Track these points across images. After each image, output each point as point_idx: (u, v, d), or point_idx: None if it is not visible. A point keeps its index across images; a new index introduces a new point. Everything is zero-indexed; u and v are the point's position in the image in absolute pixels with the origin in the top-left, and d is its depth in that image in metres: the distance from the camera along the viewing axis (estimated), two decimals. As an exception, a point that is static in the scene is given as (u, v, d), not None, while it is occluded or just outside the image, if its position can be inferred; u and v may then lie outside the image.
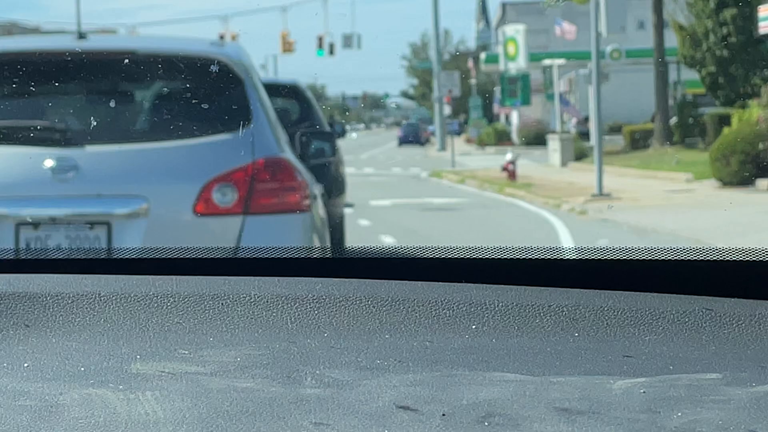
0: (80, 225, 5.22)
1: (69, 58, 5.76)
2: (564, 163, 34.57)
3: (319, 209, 5.91)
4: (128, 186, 5.28)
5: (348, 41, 60.59)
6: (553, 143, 36.99)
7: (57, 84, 6.00)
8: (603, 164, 31.34)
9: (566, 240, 14.59)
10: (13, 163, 5.36)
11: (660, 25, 39.44)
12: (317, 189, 6.07)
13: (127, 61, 5.78)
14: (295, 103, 10.93)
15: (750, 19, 41.86)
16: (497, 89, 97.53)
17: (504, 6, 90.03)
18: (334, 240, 7.95)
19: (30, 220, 5.21)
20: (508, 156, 27.79)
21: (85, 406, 1.12)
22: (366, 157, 57.91)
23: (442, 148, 60.34)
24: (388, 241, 15.14)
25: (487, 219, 18.58)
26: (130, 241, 5.14)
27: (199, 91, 5.72)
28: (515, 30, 59.13)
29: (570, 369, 1.19)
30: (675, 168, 27.21)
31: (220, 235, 5.29)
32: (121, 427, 1.07)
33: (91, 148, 5.38)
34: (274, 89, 9.97)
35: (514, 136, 58.49)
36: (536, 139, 54.67)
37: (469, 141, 72.35)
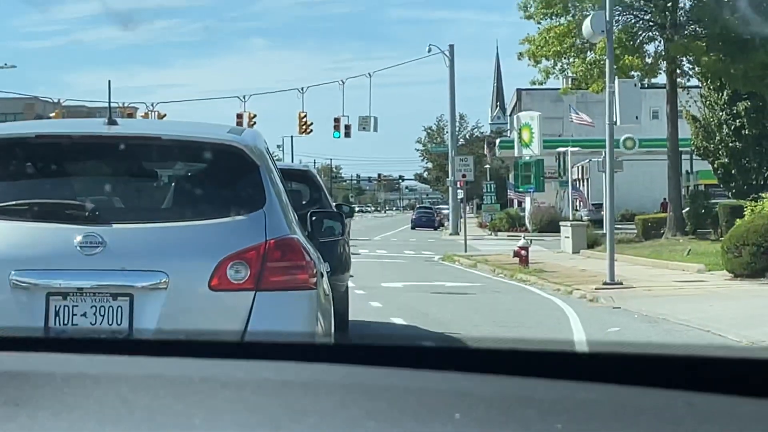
0: (105, 296, 5.62)
1: (100, 142, 6.22)
2: (576, 250, 34.46)
3: (325, 286, 6.34)
4: (150, 261, 5.66)
5: (364, 123, 60.88)
6: (566, 230, 37.00)
7: (87, 165, 6.52)
8: (615, 252, 31.05)
9: (577, 327, 14.54)
10: (45, 237, 5.73)
11: (674, 116, 39.37)
12: (323, 267, 6.50)
13: (152, 146, 6.27)
14: (306, 186, 12.31)
15: (763, 112, 41.85)
16: (511, 175, 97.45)
17: (519, 93, 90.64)
18: (339, 312, 8.32)
19: (59, 291, 5.59)
20: (521, 242, 27.63)
21: None
22: (379, 238, 57.82)
23: (455, 232, 60.09)
24: (398, 322, 15.15)
25: (498, 304, 18.51)
26: (151, 312, 5.58)
27: (218, 174, 6.24)
28: (530, 117, 59.13)
29: None
30: (687, 258, 26.92)
31: (233, 309, 5.63)
32: None
33: (117, 226, 5.73)
34: (289, 174, 10.86)
35: (527, 222, 58.58)
36: (549, 225, 55.41)
37: (482, 226, 72.11)
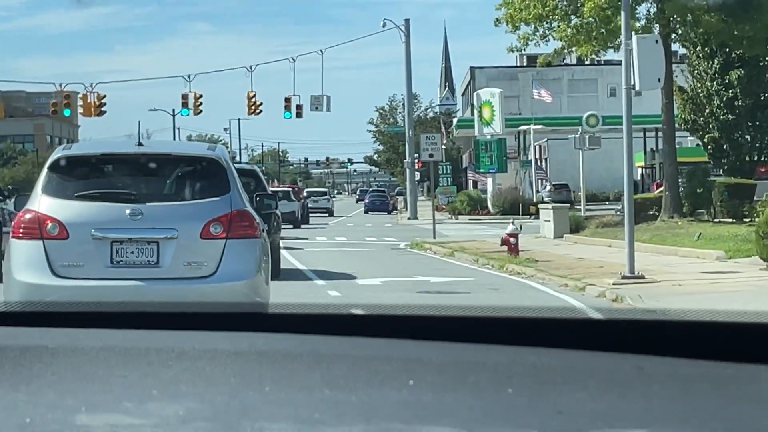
0: (143, 243, 10.07)
1: (135, 157, 10.84)
2: (558, 235, 31.05)
3: (264, 237, 10.86)
4: (167, 224, 10.13)
5: (317, 103, 57.77)
6: (546, 213, 33.26)
7: (129, 169, 10.93)
8: (607, 237, 26.96)
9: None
10: (109, 210, 10.19)
11: (669, 86, 34.65)
12: (264, 227, 11.03)
13: (165, 158, 11.03)
14: (253, 179, 19.95)
15: (758, 81, 38.64)
16: (466, 155, 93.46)
17: (473, 71, 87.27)
18: (274, 259, 14.30)
19: (118, 240, 10.03)
20: (509, 228, 23.63)
21: None
22: (335, 224, 54.10)
23: (414, 216, 56.23)
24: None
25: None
26: (168, 252, 10.05)
27: (203, 174, 10.69)
28: (491, 94, 56.32)
29: (504, 424, 1.20)
30: (698, 244, 23.55)
31: (214, 249, 10.03)
32: None
33: (148, 204, 10.23)
34: (242, 171, 16.53)
35: (489, 205, 54.97)
36: (512, 207, 51.71)
37: (438, 209, 67.88)
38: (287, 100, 56.79)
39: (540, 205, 37.47)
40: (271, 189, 59.04)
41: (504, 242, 23.53)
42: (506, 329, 1.59)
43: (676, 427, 1.17)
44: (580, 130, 46.91)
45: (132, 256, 10.00)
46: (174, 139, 78.23)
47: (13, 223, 10.74)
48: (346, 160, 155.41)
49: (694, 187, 34.03)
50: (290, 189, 58.11)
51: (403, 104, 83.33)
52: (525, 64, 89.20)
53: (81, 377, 1.42)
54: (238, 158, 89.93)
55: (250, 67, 56.13)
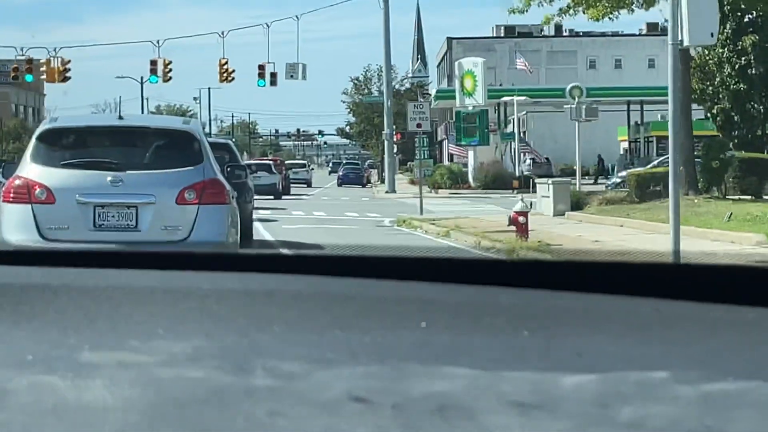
0: (123, 207, 10.89)
1: (116, 129, 11.93)
2: (559, 212, 28.63)
3: (234, 204, 11.72)
4: (146, 190, 10.98)
5: (292, 71, 56.59)
6: (543, 188, 30.85)
7: (111, 140, 11.80)
8: (614, 215, 25.29)
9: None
10: (92, 177, 10.99)
11: (685, 51, 33.03)
12: (234, 195, 11.97)
13: (144, 131, 11.99)
14: (227, 152, 20.16)
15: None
16: (442, 128, 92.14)
17: (450, 41, 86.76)
18: (247, 226, 16.96)
19: (100, 204, 10.87)
20: (518, 205, 20.80)
21: (33, 392, 1.11)
22: (310, 197, 53.27)
23: (392, 189, 55.56)
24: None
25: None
26: (146, 216, 10.93)
27: (178, 145, 11.45)
28: (473, 63, 55.17)
29: (520, 365, 1.19)
30: (730, 226, 21.14)
31: (188, 213, 10.95)
32: (69, 412, 1.06)
33: (128, 172, 11.06)
34: (216, 145, 18.36)
35: (470, 179, 53.73)
36: (495, 182, 50.92)
37: (414, 183, 66.67)
38: (261, 67, 55.17)
39: (537, 180, 34.99)
40: (254, 161, 59.47)
41: (512, 221, 20.47)
42: (519, 273, 1.58)
43: (697, 369, 1.15)
44: (576, 100, 45.14)
45: (113, 220, 10.95)
46: (142, 109, 78.90)
47: (3, 189, 11.62)
48: (317, 132, 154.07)
49: (709, 162, 30.99)
50: (272, 162, 58.64)
51: (379, 74, 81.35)
52: (503, 35, 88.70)
53: (84, 316, 1.40)
54: (207, 129, 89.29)
55: (222, 33, 55.17)
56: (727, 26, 33.82)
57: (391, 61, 63.73)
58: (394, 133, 58.64)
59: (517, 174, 51.32)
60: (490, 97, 54.65)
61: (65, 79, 51.89)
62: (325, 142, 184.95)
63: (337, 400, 1.07)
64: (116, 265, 1.65)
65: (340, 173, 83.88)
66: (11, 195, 10.99)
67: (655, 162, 42.94)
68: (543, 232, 22.28)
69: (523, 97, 56.31)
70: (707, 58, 34.91)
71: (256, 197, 39.59)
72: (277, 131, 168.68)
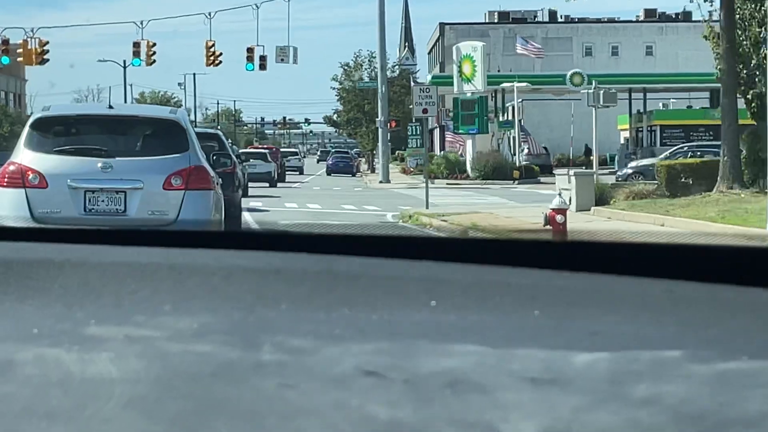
0: (112, 192, 11.45)
1: (106, 117, 12.51)
2: (584, 208, 25.43)
3: (218, 190, 12.34)
4: (134, 176, 11.53)
5: (282, 54, 53.93)
6: (563, 180, 27.47)
7: (101, 128, 12.32)
8: (646, 211, 23.40)
9: None
10: (83, 163, 11.55)
11: (731, 26, 28.95)
12: (219, 181, 12.65)
13: (133, 119, 12.78)
14: (216, 141, 22.75)
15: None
16: (432, 116, 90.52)
17: (442, 27, 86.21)
18: (235, 215, 17.94)
19: (90, 189, 11.44)
20: (555, 201, 18.19)
21: (38, 365, 1.11)
22: (299, 186, 52.69)
23: (386, 179, 54.66)
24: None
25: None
26: (134, 201, 11.47)
27: (166, 133, 12.05)
28: (472, 48, 53.78)
29: (532, 343, 1.19)
30: None
31: (174, 199, 11.51)
32: (74, 384, 1.07)
33: (118, 159, 11.64)
34: (206, 135, 22.41)
35: (468, 169, 51.90)
36: (495, 172, 48.97)
37: (405, 172, 65.86)
38: (250, 50, 52.78)
39: (555, 171, 32.47)
40: (250, 150, 59.67)
41: (549, 221, 17.82)
42: (530, 252, 1.57)
43: (709, 349, 1.16)
44: (594, 85, 42.98)
45: (103, 205, 11.51)
46: (125, 96, 78.70)
47: None
48: (304, 120, 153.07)
49: (755, 152, 27.60)
50: (267, 150, 59.10)
51: (370, 60, 79.90)
52: (496, 20, 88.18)
53: (90, 291, 1.41)
54: (192, 117, 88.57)
55: (209, 14, 53.20)
56: (765, 3, 30.53)
57: (385, 44, 61.57)
58: (389, 120, 57.55)
59: (517, 164, 50.36)
60: (490, 83, 53.36)
61: (43, 61, 50.17)
62: (311, 131, 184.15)
63: (347, 374, 1.07)
64: (122, 242, 1.65)
65: (330, 162, 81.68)
66: (5, 180, 11.63)
67: (667, 153, 41.84)
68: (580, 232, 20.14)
69: (524, 84, 54.87)
70: (742, 39, 31.67)
71: (252, 185, 39.99)
72: (262, 119, 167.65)
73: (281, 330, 1.23)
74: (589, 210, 25.21)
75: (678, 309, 1.32)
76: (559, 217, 17.46)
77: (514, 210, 24.60)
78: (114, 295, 1.39)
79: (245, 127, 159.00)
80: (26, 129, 12.15)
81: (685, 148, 42.58)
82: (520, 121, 56.42)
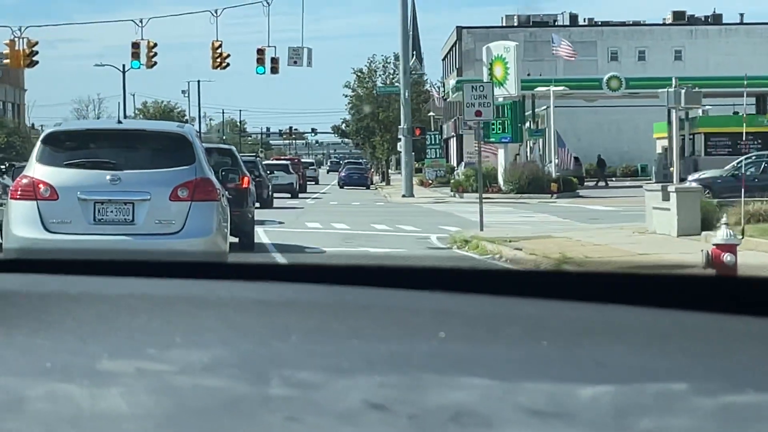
0: (120, 204, 11.91)
1: (116, 132, 13.07)
2: (687, 232, 20.35)
3: (224, 202, 12.85)
4: (141, 188, 12.01)
5: (296, 56, 48.73)
6: (654, 196, 22.35)
7: (110, 142, 12.72)
8: None
9: None
10: (93, 176, 12.03)
11: None
12: (224, 193, 13.21)
13: (141, 134, 13.15)
14: (228, 157, 23.80)
15: None
16: (448, 125, 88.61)
17: (459, 31, 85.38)
18: (247, 232, 18.69)
19: (100, 201, 11.89)
20: (721, 233, 13.20)
21: (50, 400, 1.12)
22: (314, 202, 47.42)
23: (410, 193, 50.55)
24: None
25: None
26: (142, 212, 11.96)
27: (173, 147, 12.55)
28: (504, 48, 48.73)
29: (538, 375, 1.19)
30: None
31: (180, 210, 11.96)
32: (85, 420, 1.07)
33: (126, 171, 12.10)
34: (219, 150, 24.87)
35: (501, 181, 46.67)
36: (530, 185, 44.58)
37: (424, 184, 63.85)
38: (260, 51, 47.58)
39: (646, 186, 26.25)
40: (272, 162, 60.84)
41: (713, 261, 12.52)
42: (538, 283, 1.58)
43: (716, 381, 1.16)
44: (674, 83, 36.44)
45: (111, 215, 12.04)
46: (124, 104, 78.57)
47: (11, 187, 13.06)
48: (310, 130, 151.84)
49: None
50: (289, 161, 60.44)
51: (384, 66, 77.34)
52: (515, 24, 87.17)
53: (102, 324, 1.42)
54: (196, 127, 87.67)
55: (215, 11, 48.13)
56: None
57: (409, 45, 55.27)
58: (413, 128, 55.08)
59: (553, 176, 45.39)
60: (524, 88, 48.51)
61: (32, 63, 45.79)
62: (317, 141, 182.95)
63: (353, 409, 1.08)
64: (134, 274, 1.67)
65: (342, 173, 76.23)
66: (18, 192, 12.20)
67: (734, 163, 36.95)
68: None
69: (561, 88, 49.60)
70: None
71: (275, 196, 39.71)
72: (268, 129, 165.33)
73: (290, 363, 1.24)
74: (699, 235, 19.63)
75: (685, 340, 1.31)
76: (727, 258, 12.50)
77: (587, 233, 20.79)
78: (127, 327, 1.40)
79: (249, 138, 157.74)
80: (38, 144, 12.68)
81: (753, 158, 37.75)
82: (554, 130, 50.86)
